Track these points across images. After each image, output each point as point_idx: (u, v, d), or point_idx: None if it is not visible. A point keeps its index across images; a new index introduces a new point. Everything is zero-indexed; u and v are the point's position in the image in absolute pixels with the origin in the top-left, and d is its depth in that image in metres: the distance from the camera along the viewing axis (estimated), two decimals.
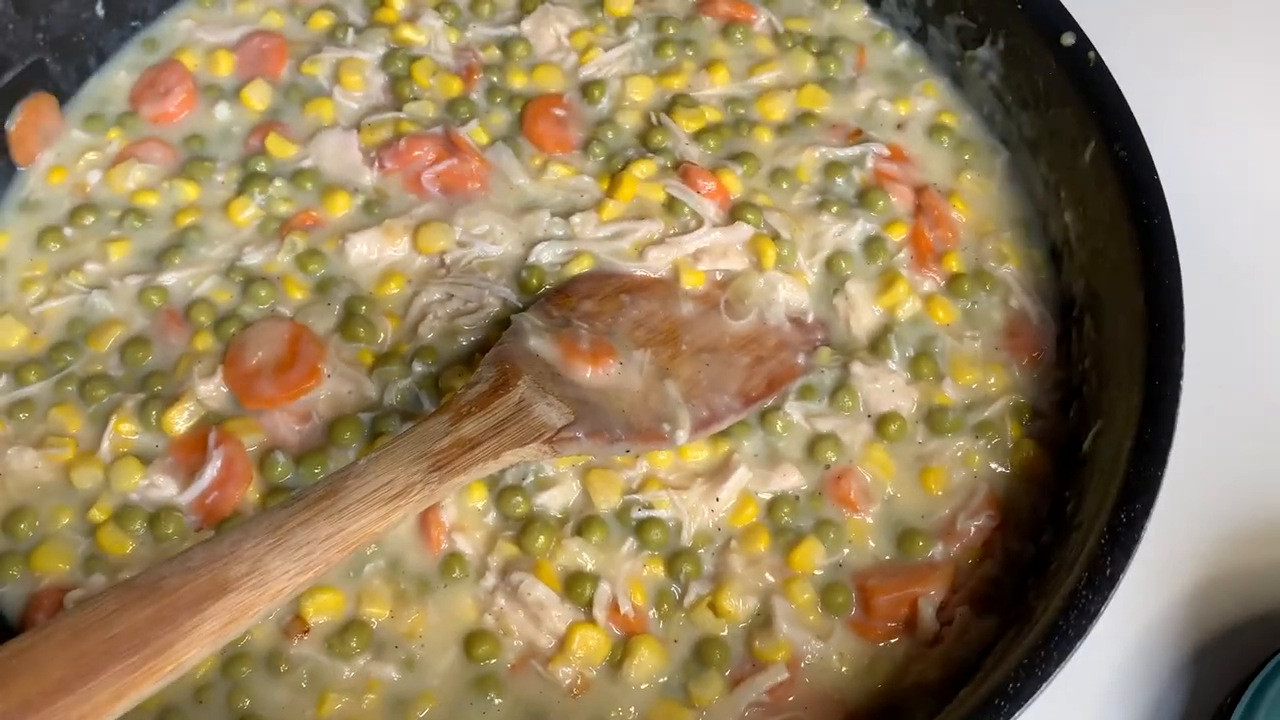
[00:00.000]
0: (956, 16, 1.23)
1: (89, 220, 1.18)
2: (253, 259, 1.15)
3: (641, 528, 1.02)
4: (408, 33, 1.26)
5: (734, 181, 1.18)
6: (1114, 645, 1.09)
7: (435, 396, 1.07)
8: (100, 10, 1.25)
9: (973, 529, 1.04)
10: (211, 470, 1.03)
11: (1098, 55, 1.10)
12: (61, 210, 1.19)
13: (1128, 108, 1.07)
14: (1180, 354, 0.96)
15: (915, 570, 1.02)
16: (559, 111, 1.22)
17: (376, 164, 1.19)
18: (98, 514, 1.03)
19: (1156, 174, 1.04)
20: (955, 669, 0.96)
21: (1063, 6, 1.14)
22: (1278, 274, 1.27)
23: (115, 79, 1.27)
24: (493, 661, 0.98)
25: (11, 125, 1.20)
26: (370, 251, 1.14)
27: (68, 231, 1.17)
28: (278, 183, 1.18)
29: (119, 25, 1.27)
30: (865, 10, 1.30)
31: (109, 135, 1.23)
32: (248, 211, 1.17)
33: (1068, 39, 1.11)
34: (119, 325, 1.12)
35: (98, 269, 1.15)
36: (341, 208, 1.18)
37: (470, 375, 1.05)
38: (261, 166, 1.19)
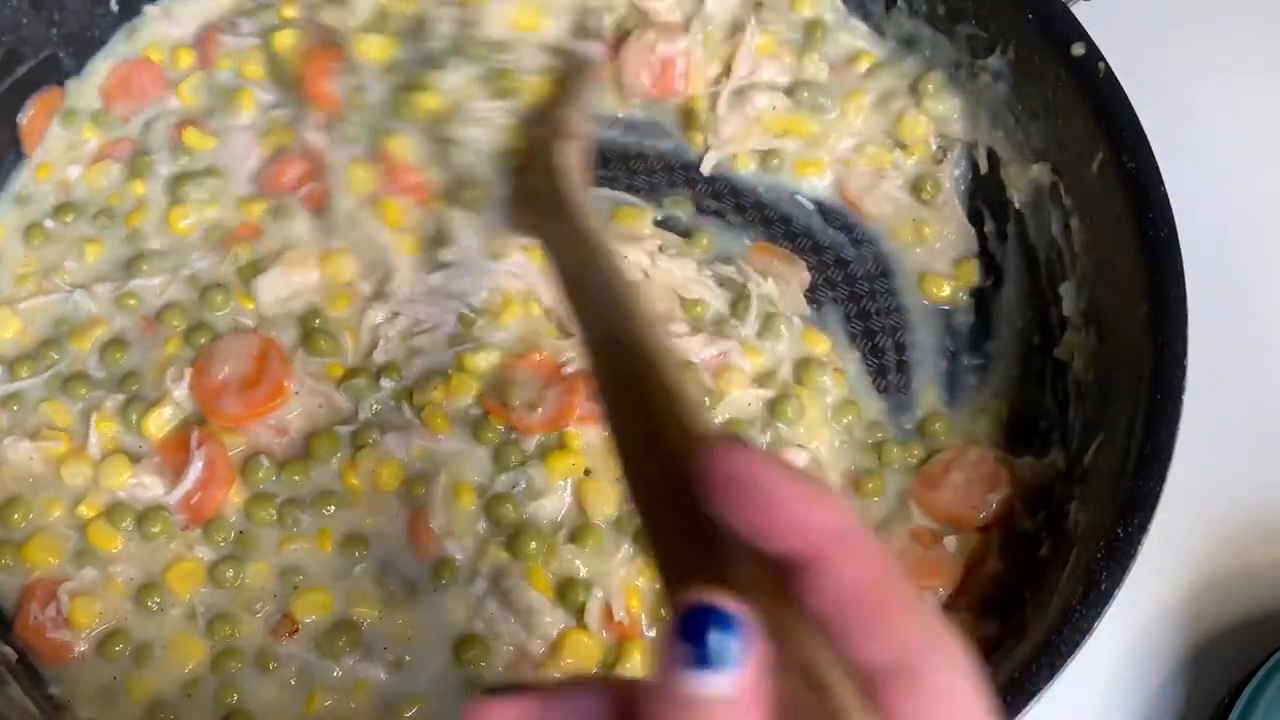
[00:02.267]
0: (968, 25, 1.22)
1: (69, 218, 1.17)
2: (200, 265, 1.14)
3: (640, 534, 1.01)
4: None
5: None
6: (1112, 645, 1.08)
7: (415, 408, 1.06)
8: (114, 5, 1.26)
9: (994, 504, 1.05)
10: (194, 471, 1.03)
11: (1108, 66, 1.09)
12: (46, 206, 1.19)
13: (1136, 119, 1.06)
14: (1183, 368, 0.95)
15: (926, 563, 1.02)
16: None
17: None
18: (86, 510, 1.03)
19: (1164, 186, 1.03)
20: None
21: (1073, 16, 1.13)
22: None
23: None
24: (482, 665, 0.98)
25: (24, 119, 1.20)
26: (281, 288, 1.12)
27: (50, 225, 1.17)
28: (202, 182, 1.17)
29: (131, 19, 1.28)
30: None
31: (84, 134, 1.22)
32: (187, 219, 1.16)
33: (1078, 49, 1.11)
34: (100, 325, 1.11)
35: (76, 268, 1.15)
36: (255, 215, 1.16)
37: (446, 387, 1.05)
38: (182, 165, 1.18)
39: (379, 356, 1.08)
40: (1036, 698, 0.84)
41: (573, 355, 1.07)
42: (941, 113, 1.24)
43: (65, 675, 0.99)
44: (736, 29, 1.25)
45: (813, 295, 1.20)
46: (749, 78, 1.24)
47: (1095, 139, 1.08)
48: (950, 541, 1.04)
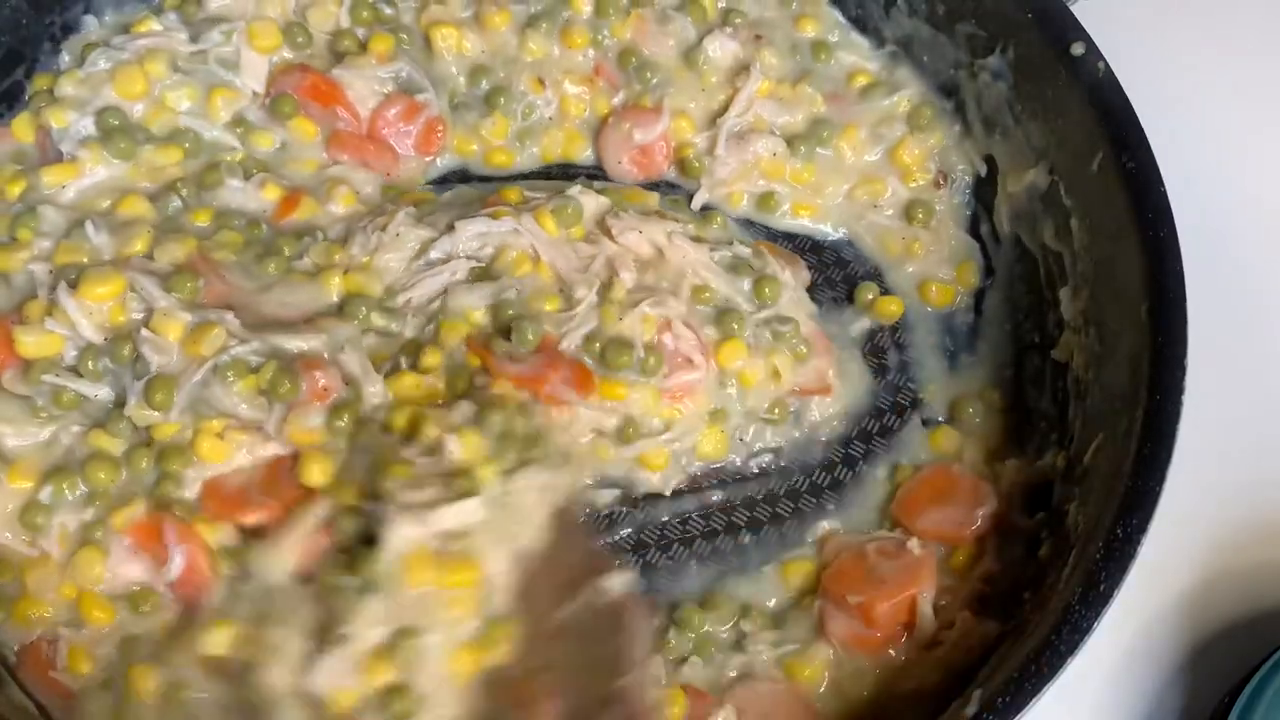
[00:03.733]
0: (967, 24, 1.22)
1: None
2: None
3: None
4: None
5: None
6: (1112, 645, 1.09)
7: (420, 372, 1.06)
8: None
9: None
10: (174, 569, 0.98)
11: (1107, 65, 1.09)
12: None
13: (1136, 119, 1.07)
14: (1183, 369, 0.95)
15: (903, 572, 1.02)
16: None
17: None
18: (69, 591, 1.00)
19: (1163, 186, 1.03)
20: (955, 673, 0.96)
21: (1073, 16, 1.13)
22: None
23: None
24: None
25: None
26: None
27: None
28: None
29: None
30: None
31: None
32: None
33: (1078, 49, 1.11)
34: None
35: None
36: None
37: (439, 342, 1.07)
38: None
39: (409, 331, 1.09)
40: (1037, 697, 0.84)
41: (570, 327, 1.07)
42: (935, 143, 1.25)
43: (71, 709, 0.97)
44: (736, 72, 1.25)
45: (813, 293, 1.20)
46: (747, 118, 1.23)
47: (1095, 138, 1.08)
48: (914, 544, 1.04)
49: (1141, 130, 1.06)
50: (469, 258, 1.11)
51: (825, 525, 1.11)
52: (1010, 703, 0.84)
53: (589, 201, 1.15)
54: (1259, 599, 1.11)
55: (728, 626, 1.04)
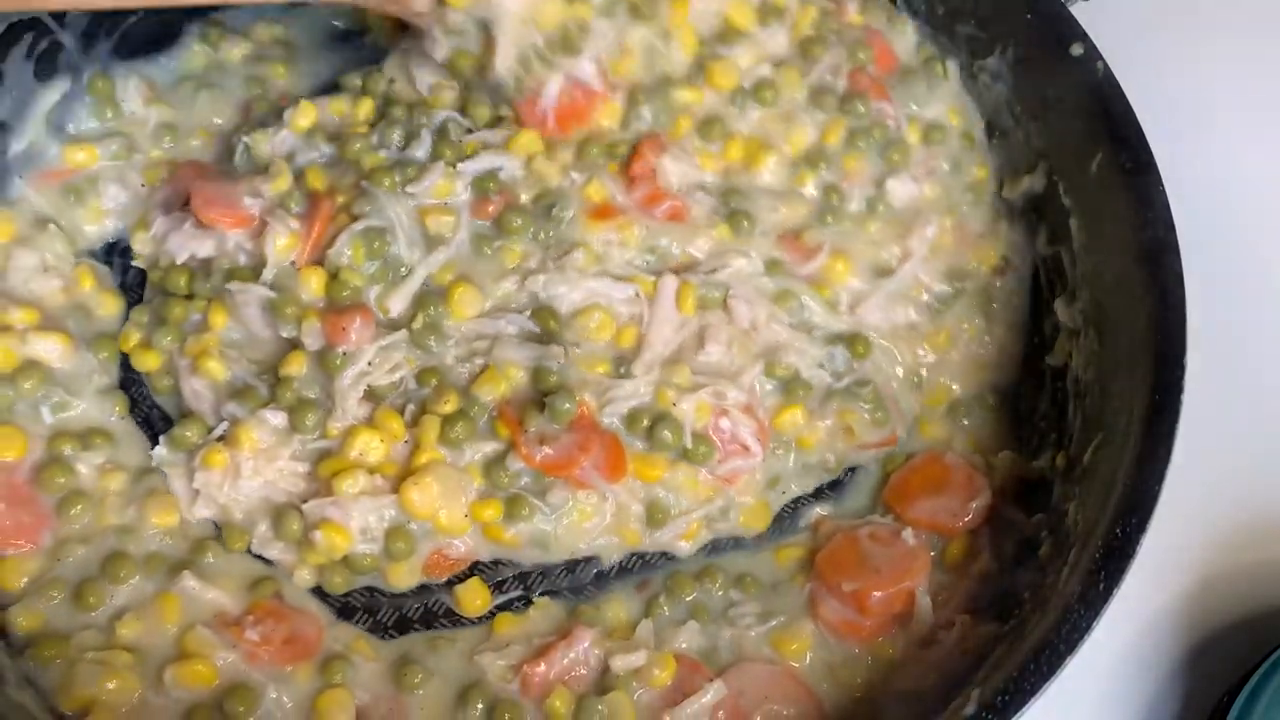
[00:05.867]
0: (967, 26, 1.22)
1: None
2: None
3: None
4: None
5: None
6: (1112, 643, 1.09)
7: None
8: None
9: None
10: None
11: (1106, 65, 1.09)
12: None
13: (1135, 119, 1.07)
14: (1182, 368, 0.95)
15: (898, 562, 1.02)
16: None
17: None
18: None
19: (1163, 186, 1.03)
20: (953, 677, 0.95)
21: (1072, 16, 1.13)
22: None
23: None
24: None
25: None
26: None
27: None
28: None
29: None
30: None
31: None
32: None
33: (1076, 49, 1.11)
34: None
35: None
36: None
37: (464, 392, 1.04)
38: None
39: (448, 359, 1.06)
40: (1036, 696, 0.84)
41: (616, 396, 1.04)
42: None
43: None
44: (905, 225, 1.16)
45: None
46: (905, 280, 1.14)
47: (1094, 139, 1.08)
48: (908, 533, 1.04)
49: (1141, 130, 1.06)
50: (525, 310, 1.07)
51: (818, 510, 1.11)
52: (1009, 701, 0.84)
53: (744, 266, 1.10)
54: (1258, 599, 1.11)
55: (718, 594, 1.04)
